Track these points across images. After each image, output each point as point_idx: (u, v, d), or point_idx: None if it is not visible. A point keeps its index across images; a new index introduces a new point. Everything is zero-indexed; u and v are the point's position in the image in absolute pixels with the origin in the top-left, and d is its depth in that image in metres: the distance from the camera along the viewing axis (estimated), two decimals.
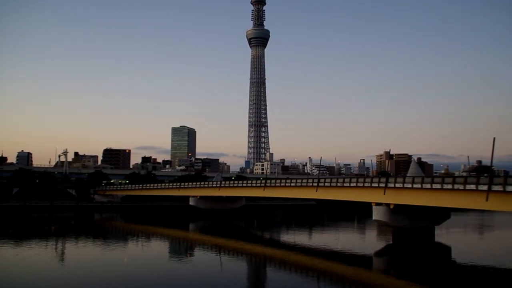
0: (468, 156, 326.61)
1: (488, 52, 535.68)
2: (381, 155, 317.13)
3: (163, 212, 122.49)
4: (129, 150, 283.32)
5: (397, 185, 62.63)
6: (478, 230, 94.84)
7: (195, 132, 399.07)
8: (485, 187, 49.66)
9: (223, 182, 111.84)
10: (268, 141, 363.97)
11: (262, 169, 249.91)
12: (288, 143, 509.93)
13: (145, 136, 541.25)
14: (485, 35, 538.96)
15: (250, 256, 57.37)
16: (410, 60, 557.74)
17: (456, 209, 62.89)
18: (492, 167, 60.75)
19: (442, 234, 73.92)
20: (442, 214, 69.32)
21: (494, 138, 51.56)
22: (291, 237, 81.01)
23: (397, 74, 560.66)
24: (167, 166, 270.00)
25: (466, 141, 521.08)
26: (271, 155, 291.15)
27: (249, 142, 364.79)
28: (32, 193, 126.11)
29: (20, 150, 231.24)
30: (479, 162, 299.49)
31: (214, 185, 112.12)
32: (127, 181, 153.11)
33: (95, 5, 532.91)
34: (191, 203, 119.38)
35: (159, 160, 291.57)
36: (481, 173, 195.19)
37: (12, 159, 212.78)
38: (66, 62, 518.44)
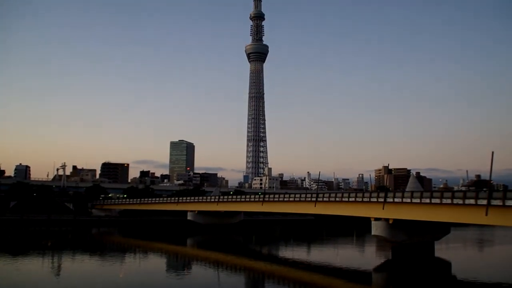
0: (467, 171, 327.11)
1: (488, 66, 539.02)
2: (379, 170, 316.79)
3: (161, 227, 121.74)
4: (128, 164, 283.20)
5: (396, 200, 62.35)
6: (478, 245, 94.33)
7: (194, 146, 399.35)
8: (484, 202, 49.41)
9: (221, 197, 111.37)
10: (267, 155, 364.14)
11: (261, 184, 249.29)
12: (287, 157, 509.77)
13: (144, 150, 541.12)
14: (483, 49, 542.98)
15: (249, 271, 56.87)
16: (409, 75, 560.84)
17: (455, 224, 62.60)
18: (491, 182, 60.55)
19: (442, 249, 73.46)
20: (441, 229, 68.91)
21: (493, 152, 51.50)
22: (290, 252, 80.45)
23: (396, 89, 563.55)
24: (166, 180, 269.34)
25: (465, 155, 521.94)
26: (270, 169, 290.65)
27: (247, 156, 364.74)
28: (29, 207, 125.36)
29: (18, 163, 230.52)
30: (478, 176, 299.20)
31: (212, 200, 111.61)
32: (125, 195, 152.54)
33: (93, 22, 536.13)
34: (189, 217, 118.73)
35: (158, 174, 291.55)
36: (480, 187, 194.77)
37: (10, 172, 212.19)
38: (65, 76, 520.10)
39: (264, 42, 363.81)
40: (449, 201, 54.04)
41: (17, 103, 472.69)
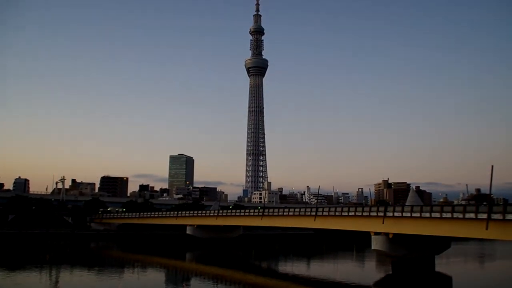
0: (466, 185, 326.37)
1: (487, 80, 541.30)
2: (379, 184, 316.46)
3: (160, 241, 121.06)
4: (127, 178, 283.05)
5: (395, 214, 62.23)
6: (479, 259, 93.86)
7: (193, 160, 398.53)
8: (484, 216, 49.29)
9: (220, 211, 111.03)
10: (266, 169, 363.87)
11: (260, 198, 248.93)
12: (286, 172, 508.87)
13: (143, 164, 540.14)
14: (483, 63, 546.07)
15: (248, 286, 56.47)
16: (408, 89, 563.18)
17: (456, 238, 62.39)
18: (491, 195, 60.51)
19: (443, 264, 73.01)
20: (442, 243, 68.61)
21: (492, 166, 51.54)
22: (289, 267, 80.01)
23: (395, 103, 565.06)
24: (165, 194, 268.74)
25: (465, 169, 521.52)
26: (269, 184, 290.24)
27: (247, 170, 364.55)
28: (28, 220, 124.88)
29: (18, 177, 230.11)
30: (478, 190, 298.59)
31: (212, 214, 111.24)
32: (124, 209, 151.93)
33: (92, 36, 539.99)
34: (188, 232, 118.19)
35: (157, 188, 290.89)
36: (480, 201, 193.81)
37: (9, 185, 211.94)
38: (64, 90, 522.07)
39: (263, 57, 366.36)
40: (449, 215, 53.92)
41: (17, 116, 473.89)
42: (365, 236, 71.67)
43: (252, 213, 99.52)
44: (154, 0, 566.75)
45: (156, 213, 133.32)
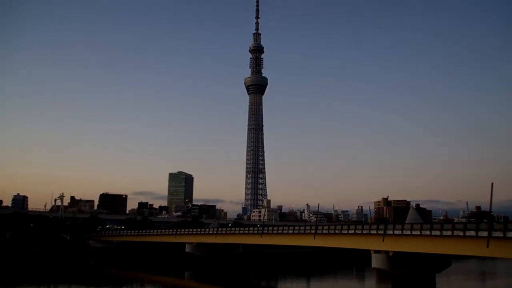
0: (466, 202, 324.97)
1: (487, 97, 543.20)
2: (379, 202, 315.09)
3: (159, 259, 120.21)
4: (126, 195, 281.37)
5: (396, 232, 61.99)
6: (480, 277, 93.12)
7: (193, 178, 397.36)
8: (485, 233, 49.13)
9: (219, 229, 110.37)
10: (266, 187, 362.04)
11: (260, 216, 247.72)
12: (286, 189, 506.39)
13: (142, 181, 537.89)
14: (483, 80, 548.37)
15: None
16: (408, 107, 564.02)
17: (457, 256, 62.04)
18: (492, 213, 60.43)
19: (443, 282, 72.48)
20: (442, 261, 68.18)
21: (492, 184, 51.57)
22: (289, 286, 79.28)
23: (394, 121, 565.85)
24: (164, 212, 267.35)
25: (465, 186, 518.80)
26: (269, 201, 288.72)
27: (246, 188, 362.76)
28: (26, 238, 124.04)
29: (16, 193, 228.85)
30: (478, 208, 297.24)
31: (211, 232, 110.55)
32: (123, 227, 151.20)
33: (91, 51, 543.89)
34: (187, 250, 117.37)
35: (156, 205, 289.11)
36: (481, 219, 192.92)
37: (7, 202, 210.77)
38: (64, 106, 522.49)
39: (263, 75, 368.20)
40: (449, 233, 53.76)
41: (15, 133, 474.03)
42: (365, 254, 71.29)
43: (252, 231, 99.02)
44: (154, 19, 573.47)
45: (155, 230, 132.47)
